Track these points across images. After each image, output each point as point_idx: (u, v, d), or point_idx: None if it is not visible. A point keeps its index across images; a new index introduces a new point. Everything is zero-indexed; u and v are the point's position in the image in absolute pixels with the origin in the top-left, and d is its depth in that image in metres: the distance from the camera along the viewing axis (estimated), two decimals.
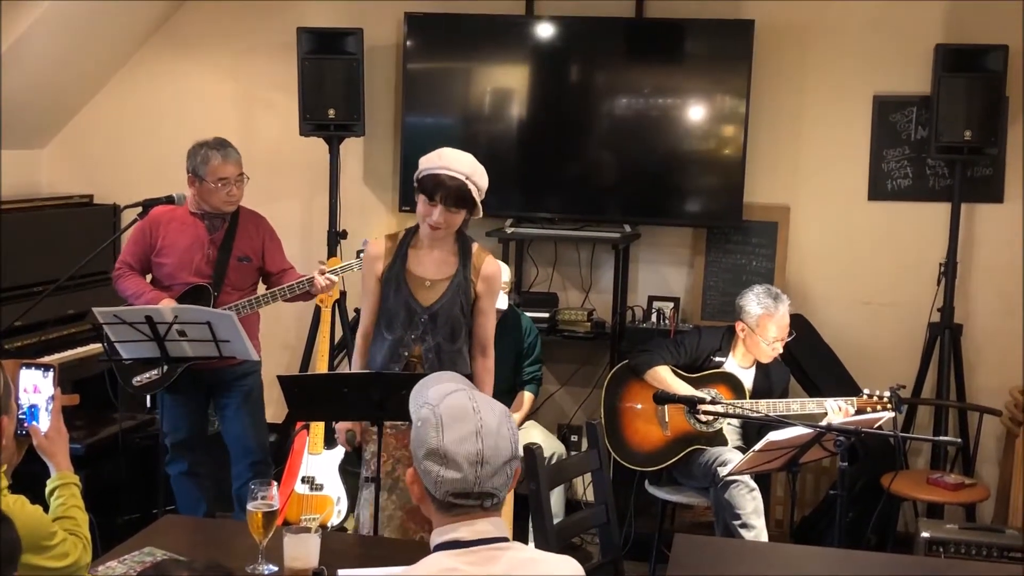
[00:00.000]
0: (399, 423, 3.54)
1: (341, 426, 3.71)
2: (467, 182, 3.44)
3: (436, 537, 1.99)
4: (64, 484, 2.53)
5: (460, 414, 1.94)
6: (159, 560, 1.79)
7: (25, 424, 2.56)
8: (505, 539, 1.99)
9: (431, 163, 3.47)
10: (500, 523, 2.01)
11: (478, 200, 3.49)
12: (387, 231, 3.69)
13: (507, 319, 4.82)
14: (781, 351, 4.54)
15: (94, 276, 5.43)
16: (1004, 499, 5.00)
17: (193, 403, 4.53)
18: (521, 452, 2.01)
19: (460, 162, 3.46)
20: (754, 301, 4.49)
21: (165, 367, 4.28)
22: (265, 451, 4.64)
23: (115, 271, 4.50)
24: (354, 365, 3.74)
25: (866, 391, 4.33)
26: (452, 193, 3.42)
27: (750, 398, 4.48)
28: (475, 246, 3.63)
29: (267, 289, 4.49)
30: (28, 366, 2.65)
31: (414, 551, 2.16)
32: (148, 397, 5.14)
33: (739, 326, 4.53)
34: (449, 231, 3.52)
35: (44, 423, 2.57)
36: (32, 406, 2.60)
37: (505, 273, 4.75)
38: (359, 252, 4.22)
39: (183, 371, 4.29)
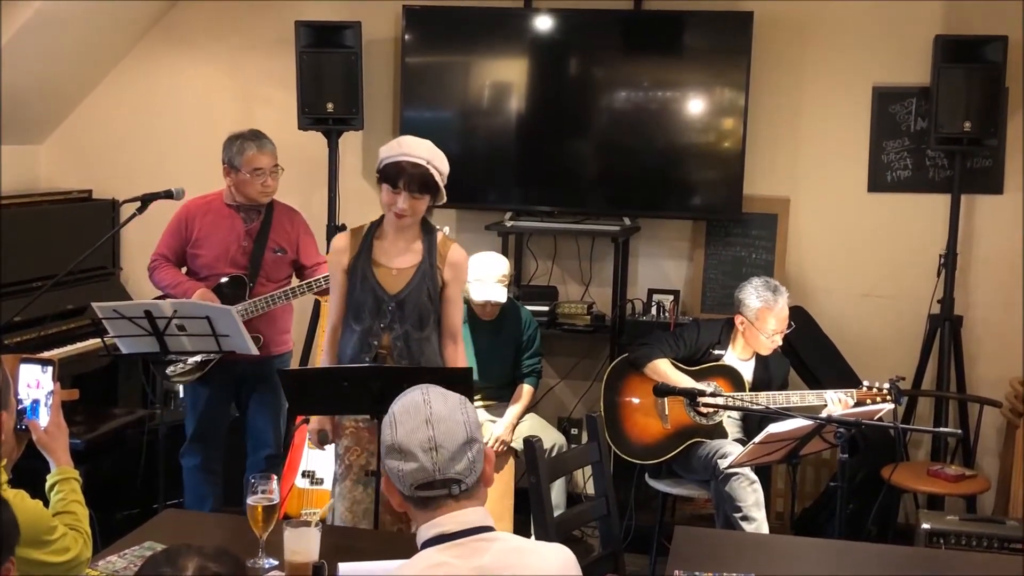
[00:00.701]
0: (369, 417, 3.57)
1: (312, 427, 3.72)
2: (429, 167, 3.46)
3: (422, 534, 2.01)
4: (64, 479, 2.53)
5: (411, 408, 2.01)
6: (168, 547, 1.79)
7: (25, 419, 2.56)
8: (490, 528, 2.01)
9: (391, 151, 3.50)
10: (482, 512, 2.02)
11: (441, 185, 3.52)
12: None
13: (506, 312, 4.82)
14: (780, 343, 4.54)
15: (93, 271, 5.44)
16: (1004, 490, 5.00)
17: (220, 395, 4.55)
18: (481, 436, 2.03)
19: (420, 148, 3.49)
20: (753, 294, 4.49)
21: (198, 358, 4.28)
22: (280, 447, 4.66)
23: (151, 263, 4.53)
24: (323, 360, 3.76)
25: (866, 383, 4.33)
26: (416, 179, 3.45)
27: (750, 390, 4.47)
28: (440, 234, 3.66)
29: (300, 282, 4.51)
30: (27, 361, 2.64)
31: (414, 545, 2.15)
32: (180, 388, 5.15)
33: (738, 319, 4.53)
34: (415, 218, 3.55)
35: (44, 418, 2.57)
36: (33, 401, 2.60)
37: (504, 266, 4.75)
38: None
39: (215, 362, 4.30)
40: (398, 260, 3.58)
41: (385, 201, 3.51)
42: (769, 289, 4.49)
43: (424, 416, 1.98)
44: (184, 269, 4.53)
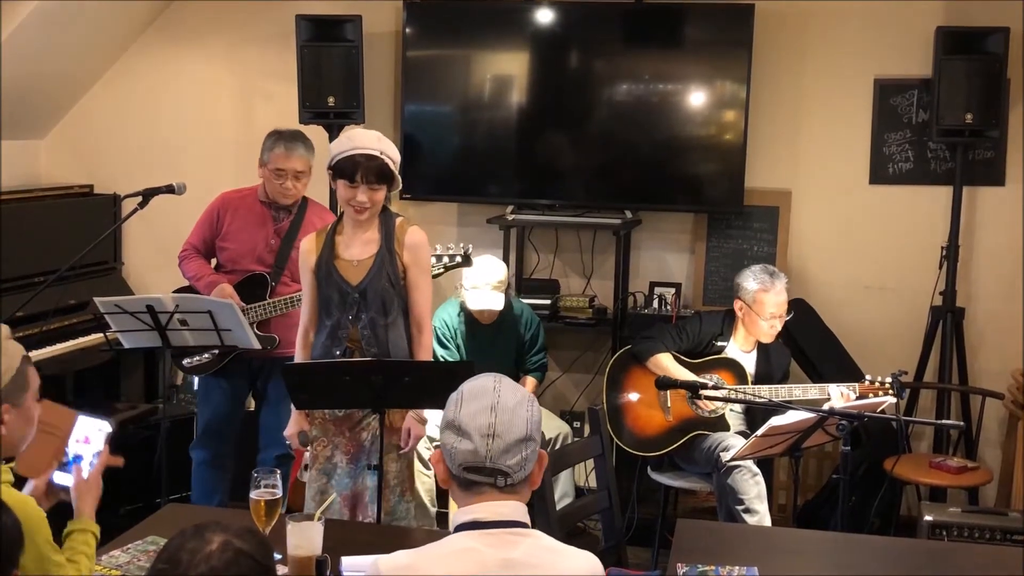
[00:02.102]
0: (338, 411, 3.63)
1: (290, 431, 3.72)
2: (383, 156, 3.50)
3: (458, 517, 2.03)
4: (82, 530, 2.51)
5: (480, 392, 2.02)
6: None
7: (67, 465, 2.58)
8: (525, 525, 2.02)
9: (342, 146, 3.53)
10: (521, 508, 2.03)
11: (396, 173, 3.55)
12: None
13: (504, 317, 4.81)
14: (779, 329, 4.54)
15: (95, 266, 5.45)
16: (1007, 482, 5.00)
17: (234, 389, 4.55)
18: (540, 437, 2.04)
19: (370, 139, 3.53)
20: (751, 278, 4.51)
21: (216, 350, 4.28)
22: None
23: (181, 251, 4.56)
24: (296, 359, 3.78)
25: (868, 377, 4.33)
26: (372, 171, 3.48)
27: (752, 382, 4.48)
28: (399, 220, 3.69)
29: None
30: (87, 415, 2.66)
31: (418, 539, 2.16)
32: (195, 380, 5.16)
33: (737, 304, 4.54)
34: (374, 209, 3.58)
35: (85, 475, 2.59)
36: (77, 456, 2.61)
37: (500, 272, 4.74)
38: None
39: (233, 355, 4.30)
40: (358, 251, 3.63)
41: (343, 196, 3.55)
42: (767, 272, 4.52)
43: (491, 402, 2.00)
44: (214, 262, 4.53)
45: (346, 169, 3.50)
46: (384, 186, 3.54)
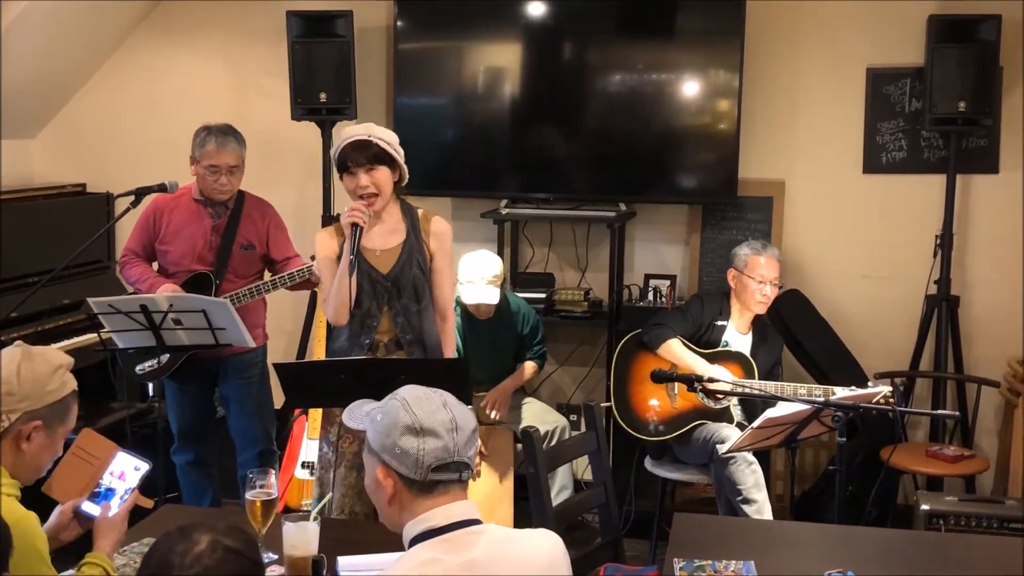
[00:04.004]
0: None
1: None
2: (370, 138, 3.51)
3: (410, 531, 2.02)
4: (95, 563, 2.49)
5: (423, 394, 2.07)
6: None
7: (99, 496, 2.58)
8: (478, 521, 2.02)
9: (335, 146, 3.58)
10: (469, 505, 2.04)
11: (393, 153, 3.53)
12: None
13: (502, 312, 4.81)
14: (771, 297, 4.57)
15: (89, 265, 5.43)
16: (1003, 470, 5.01)
17: (198, 391, 4.53)
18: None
19: (358, 129, 3.56)
20: (744, 247, 4.66)
21: (167, 355, 4.27)
22: (270, 439, 4.65)
23: (121, 258, 4.51)
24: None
25: (870, 384, 4.29)
26: (361, 151, 3.49)
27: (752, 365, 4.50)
28: (420, 210, 3.70)
29: (272, 276, 4.48)
30: (126, 452, 2.66)
31: None
32: (150, 386, 5.15)
33: (731, 274, 4.61)
34: (383, 194, 3.55)
35: (114, 510, 2.58)
36: (109, 489, 2.61)
37: (495, 266, 4.73)
38: None
39: (186, 359, 4.28)
40: (381, 241, 3.62)
41: (349, 190, 3.56)
42: (759, 242, 4.69)
43: (441, 400, 2.05)
44: (156, 266, 4.50)
45: (342, 162, 3.52)
46: (384, 167, 3.52)
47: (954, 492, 4.61)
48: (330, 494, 3.57)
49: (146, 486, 2.71)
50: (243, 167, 4.41)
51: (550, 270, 5.56)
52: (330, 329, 4.05)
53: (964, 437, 5.07)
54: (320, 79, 5.25)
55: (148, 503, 2.73)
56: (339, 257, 3.60)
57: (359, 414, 2.15)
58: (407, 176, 3.64)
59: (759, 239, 4.85)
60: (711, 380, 4.27)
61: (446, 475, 1.99)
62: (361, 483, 3.61)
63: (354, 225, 3.47)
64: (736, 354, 4.54)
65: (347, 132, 3.56)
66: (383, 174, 3.53)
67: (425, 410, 2.01)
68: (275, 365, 3.35)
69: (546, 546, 2.08)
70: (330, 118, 5.33)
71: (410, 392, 2.07)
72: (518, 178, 5.45)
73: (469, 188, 5.48)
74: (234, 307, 4.04)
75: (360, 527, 3.39)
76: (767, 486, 4.38)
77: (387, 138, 3.55)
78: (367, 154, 3.49)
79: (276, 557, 2.68)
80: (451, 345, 3.80)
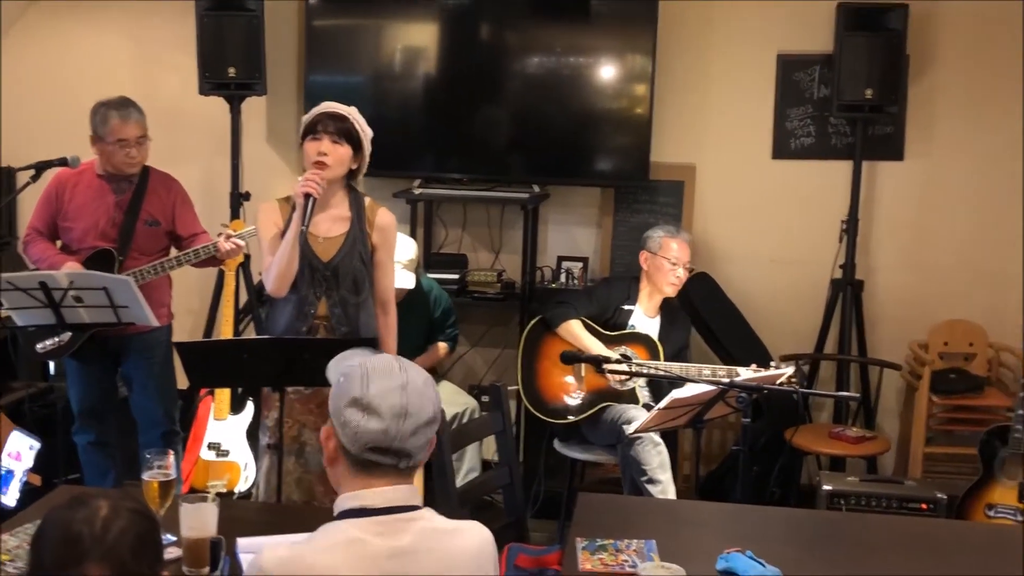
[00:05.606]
0: (303, 388, 3.53)
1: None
2: (350, 117, 3.51)
3: (342, 503, 1.95)
4: None
5: (386, 370, 1.95)
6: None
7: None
8: (415, 507, 1.97)
9: (312, 112, 3.55)
10: (413, 491, 1.98)
11: (362, 140, 3.52)
12: (291, 192, 3.63)
13: (414, 297, 4.77)
14: (683, 279, 4.62)
15: None
16: (904, 451, 5.13)
17: (100, 371, 4.42)
18: (440, 419, 2.00)
19: (342, 106, 3.55)
20: (657, 230, 4.71)
21: (68, 334, 4.17)
22: (174, 421, 4.55)
23: (25, 237, 4.39)
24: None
25: (773, 365, 4.36)
26: (335, 121, 3.48)
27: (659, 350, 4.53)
28: (367, 200, 3.65)
29: (179, 253, 4.38)
30: (21, 432, 2.58)
31: (316, 518, 2.13)
32: (51, 365, 5.02)
33: (643, 257, 4.64)
34: (336, 170, 3.50)
35: (13, 494, 2.50)
36: (8, 471, 2.54)
37: (410, 251, 4.70)
38: None
39: (89, 338, 4.19)
40: (325, 228, 3.57)
41: (308, 154, 3.50)
42: (672, 226, 4.76)
43: (400, 382, 1.93)
44: (59, 243, 4.39)
45: (312, 125, 3.49)
46: (348, 146, 3.49)
47: (856, 473, 4.71)
48: (255, 476, 3.51)
49: (46, 466, 2.65)
50: (148, 137, 4.32)
51: (463, 251, 5.54)
52: (266, 314, 3.95)
53: (867, 419, 5.18)
54: (229, 53, 5.15)
55: (36, 480, 2.67)
56: (283, 233, 3.52)
57: (344, 366, 2.05)
58: (364, 169, 3.60)
59: (671, 223, 4.90)
60: (619, 361, 4.29)
61: (382, 458, 1.92)
62: (300, 470, 3.57)
63: (307, 196, 3.40)
64: (642, 336, 4.57)
65: (330, 104, 3.54)
66: (345, 151, 3.50)
67: (379, 388, 1.92)
68: (176, 344, 3.29)
69: (476, 540, 2.03)
70: (239, 93, 5.24)
71: (379, 363, 1.97)
72: (432, 158, 5.42)
73: (382, 167, 5.33)
74: (137, 285, 3.95)
75: (263, 508, 3.35)
76: (674, 467, 4.43)
77: (364, 127, 3.55)
78: (339, 126, 3.48)
79: (175, 539, 2.63)
80: (393, 339, 3.73)
